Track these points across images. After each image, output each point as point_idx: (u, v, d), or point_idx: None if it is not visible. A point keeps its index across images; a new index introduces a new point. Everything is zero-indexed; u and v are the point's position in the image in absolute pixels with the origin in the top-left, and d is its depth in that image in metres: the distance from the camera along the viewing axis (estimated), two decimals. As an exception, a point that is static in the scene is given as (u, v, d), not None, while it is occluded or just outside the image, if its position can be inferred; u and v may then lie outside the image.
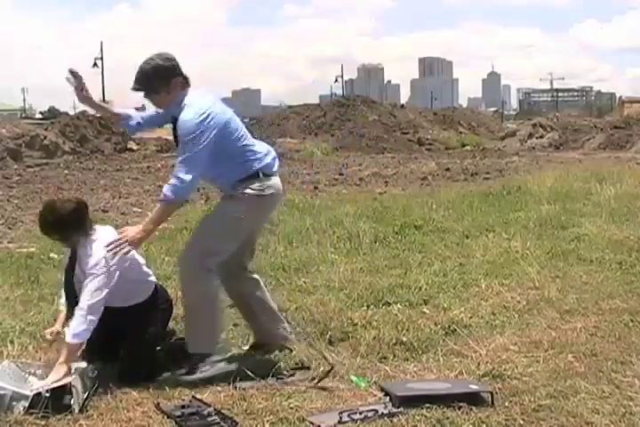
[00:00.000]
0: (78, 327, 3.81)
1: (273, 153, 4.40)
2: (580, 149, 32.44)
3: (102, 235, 4.06)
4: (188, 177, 3.93)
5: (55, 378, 3.69)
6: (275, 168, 4.35)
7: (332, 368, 4.12)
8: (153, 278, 4.35)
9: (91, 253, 3.93)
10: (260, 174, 4.24)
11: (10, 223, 11.04)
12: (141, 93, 4.14)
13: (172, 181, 3.95)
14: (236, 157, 4.18)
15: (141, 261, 4.33)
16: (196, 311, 4.22)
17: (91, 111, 4.80)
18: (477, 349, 4.53)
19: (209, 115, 4.00)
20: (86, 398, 3.69)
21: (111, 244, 3.91)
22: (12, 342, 4.63)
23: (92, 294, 3.84)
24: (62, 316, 4.25)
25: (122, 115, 4.54)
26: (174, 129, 4.12)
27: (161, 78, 4.05)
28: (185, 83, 4.15)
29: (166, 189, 3.96)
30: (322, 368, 4.18)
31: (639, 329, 5.01)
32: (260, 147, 4.36)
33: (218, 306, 4.32)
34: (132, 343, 4.12)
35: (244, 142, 4.23)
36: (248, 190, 4.22)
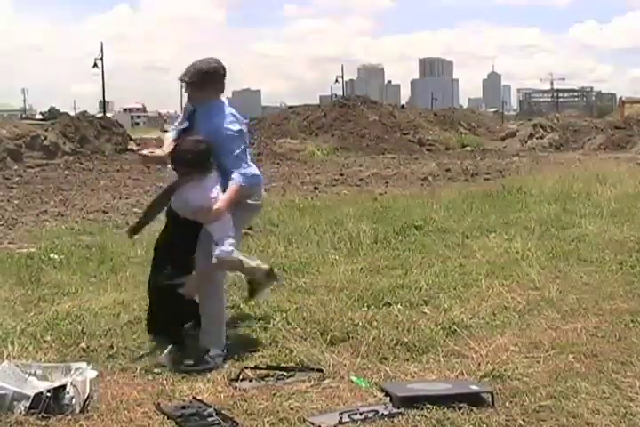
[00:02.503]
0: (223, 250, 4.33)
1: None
2: (581, 150, 32.44)
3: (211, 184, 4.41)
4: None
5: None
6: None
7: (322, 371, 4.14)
8: None
9: (202, 195, 4.35)
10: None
11: (10, 224, 11.04)
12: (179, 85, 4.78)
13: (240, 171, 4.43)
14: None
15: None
16: (210, 309, 4.55)
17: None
18: (478, 349, 4.53)
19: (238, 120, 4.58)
20: (86, 399, 3.69)
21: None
22: (12, 342, 4.63)
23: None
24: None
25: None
26: (192, 118, 4.59)
27: (212, 79, 4.54)
28: (222, 89, 4.65)
29: (240, 180, 4.42)
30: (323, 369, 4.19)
31: (639, 330, 5.01)
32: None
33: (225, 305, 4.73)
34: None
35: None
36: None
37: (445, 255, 7.55)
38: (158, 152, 4.71)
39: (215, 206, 4.32)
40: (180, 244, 4.60)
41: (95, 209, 12.91)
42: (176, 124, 4.93)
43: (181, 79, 4.52)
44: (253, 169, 4.56)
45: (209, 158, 4.36)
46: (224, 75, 4.63)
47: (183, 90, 4.68)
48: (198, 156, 4.32)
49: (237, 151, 4.43)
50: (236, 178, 4.39)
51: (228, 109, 4.58)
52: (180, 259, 4.57)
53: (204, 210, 4.34)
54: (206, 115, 4.54)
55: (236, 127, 4.49)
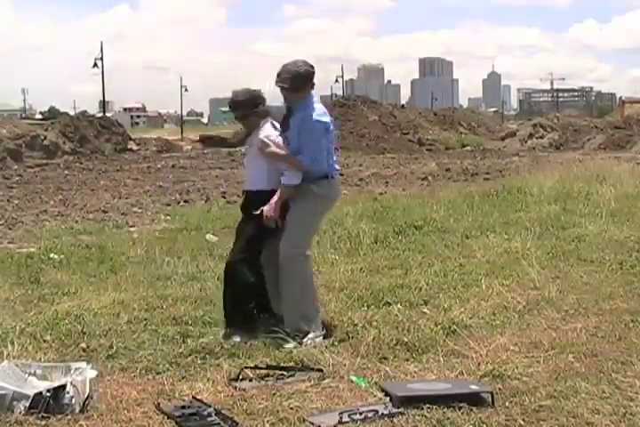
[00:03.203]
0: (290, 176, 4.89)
1: None
2: (581, 150, 32.46)
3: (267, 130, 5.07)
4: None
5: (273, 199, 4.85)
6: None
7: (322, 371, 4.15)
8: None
9: (262, 137, 5.01)
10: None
11: (10, 224, 11.05)
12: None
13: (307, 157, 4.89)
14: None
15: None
16: (302, 294, 4.91)
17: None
18: (478, 349, 4.53)
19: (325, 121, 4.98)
20: (86, 398, 3.69)
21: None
22: (12, 342, 4.62)
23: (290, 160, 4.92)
24: None
25: None
26: (286, 119, 5.01)
27: (306, 81, 4.93)
28: (313, 86, 5.02)
29: (306, 159, 4.88)
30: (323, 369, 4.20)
31: (639, 330, 5.00)
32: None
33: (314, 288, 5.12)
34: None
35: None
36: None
37: (445, 255, 7.55)
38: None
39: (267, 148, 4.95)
40: (246, 229, 5.11)
41: (95, 209, 12.92)
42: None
43: (280, 86, 4.91)
44: (321, 162, 4.92)
45: (258, 102, 5.09)
46: (314, 73, 5.00)
47: (281, 93, 5.02)
48: (249, 100, 5.09)
49: (310, 143, 4.86)
50: (301, 156, 4.87)
51: (318, 104, 5.01)
52: (242, 241, 5.10)
53: (260, 145, 5.00)
54: (299, 111, 4.94)
55: (324, 119, 4.93)
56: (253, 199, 5.05)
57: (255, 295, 5.02)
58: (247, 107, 5.12)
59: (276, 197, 4.88)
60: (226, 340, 4.77)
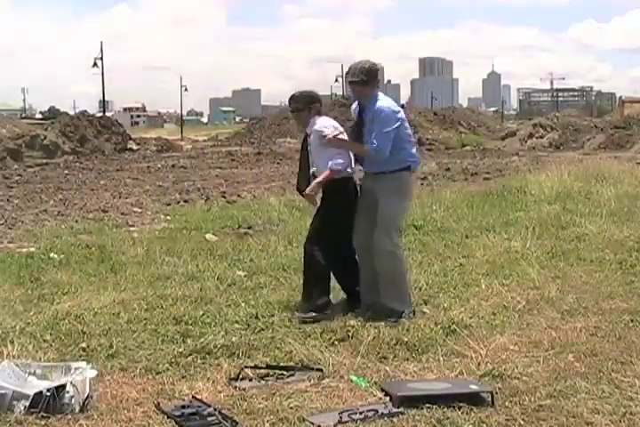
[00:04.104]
0: (336, 162, 5.44)
1: None
2: (581, 149, 32.42)
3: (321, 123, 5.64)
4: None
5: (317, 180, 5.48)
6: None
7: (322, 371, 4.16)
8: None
9: (317, 127, 5.59)
10: None
11: (10, 223, 11.04)
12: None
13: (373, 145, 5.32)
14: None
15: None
16: (397, 279, 5.41)
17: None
18: (477, 349, 4.53)
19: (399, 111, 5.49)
20: (86, 398, 3.69)
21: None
22: (12, 342, 4.63)
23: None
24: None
25: None
26: (360, 114, 5.47)
27: (373, 76, 5.43)
28: (378, 83, 5.54)
29: (370, 147, 5.33)
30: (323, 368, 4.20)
31: (639, 329, 5.01)
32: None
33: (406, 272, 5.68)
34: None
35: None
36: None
37: (445, 255, 7.56)
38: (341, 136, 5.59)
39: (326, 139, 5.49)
40: (315, 219, 5.72)
41: (95, 208, 12.91)
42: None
43: (351, 80, 5.42)
44: (384, 148, 5.31)
45: (314, 102, 5.67)
46: (378, 70, 5.55)
47: (350, 88, 5.59)
48: (303, 97, 5.70)
49: (383, 131, 5.29)
50: (366, 145, 5.34)
51: (389, 98, 5.54)
52: (312, 230, 5.71)
53: (316, 134, 5.58)
54: (370, 104, 5.39)
55: (398, 109, 5.43)
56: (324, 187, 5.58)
57: (329, 278, 5.58)
58: (302, 102, 5.69)
59: (319, 179, 5.48)
60: (304, 313, 5.28)
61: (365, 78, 5.38)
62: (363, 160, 5.56)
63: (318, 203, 5.68)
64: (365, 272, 5.53)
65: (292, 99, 5.80)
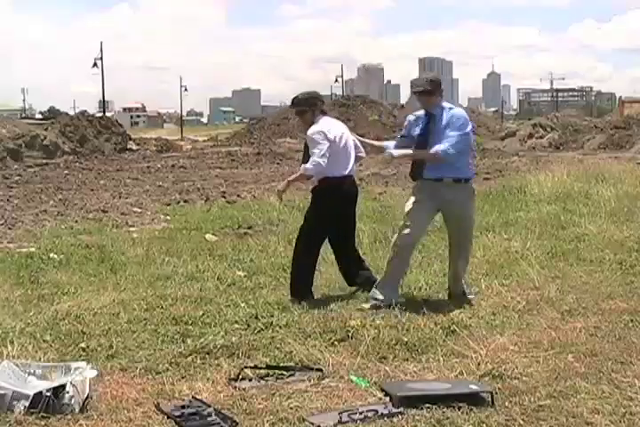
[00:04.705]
0: (309, 165, 5.74)
1: None
2: (580, 149, 32.40)
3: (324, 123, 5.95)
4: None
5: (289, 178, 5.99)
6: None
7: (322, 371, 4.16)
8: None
9: (309, 133, 5.89)
10: None
11: (10, 223, 11.04)
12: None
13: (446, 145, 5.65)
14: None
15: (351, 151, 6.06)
16: (466, 268, 6.12)
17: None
18: (477, 349, 4.53)
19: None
20: (86, 398, 3.69)
21: None
22: (11, 342, 4.63)
23: (316, 147, 5.75)
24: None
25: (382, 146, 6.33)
26: (427, 123, 5.76)
27: (438, 86, 5.82)
28: (442, 96, 5.88)
29: (440, 149, 5.64)
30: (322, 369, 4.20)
31: (639, 329, 5.01)
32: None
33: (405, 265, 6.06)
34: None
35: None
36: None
37: (445, 255, 7.52)
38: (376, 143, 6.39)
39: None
40: (304, 218, 6.16)
41: (95, 208, 12.91)
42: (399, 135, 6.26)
43: (418, 90, 5.76)
44: (452, 151, 5.65)
45: (315, 102, 5.96)
46: (441, 81, 5.98)
47: (416, 98, 5.92)
48: (304, 99, 5.99)
49: (457, 134, 5.66)
50: (436, 146, 5.64)
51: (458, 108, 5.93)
52: (300, 228, 6.16)
53: (307, 139, 5.93)
54: (442, 113, 5.73)
55: (468, 128, 5.81)
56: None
57: (309, 269, 5.96)
58: (304, 104, 5.96)
59: (291, 177, 6.00)
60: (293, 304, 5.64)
61: (430, 88, 5.73)
62: (425, 167, 5.88)
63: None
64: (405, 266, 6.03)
65: (295, 101, 6.06)
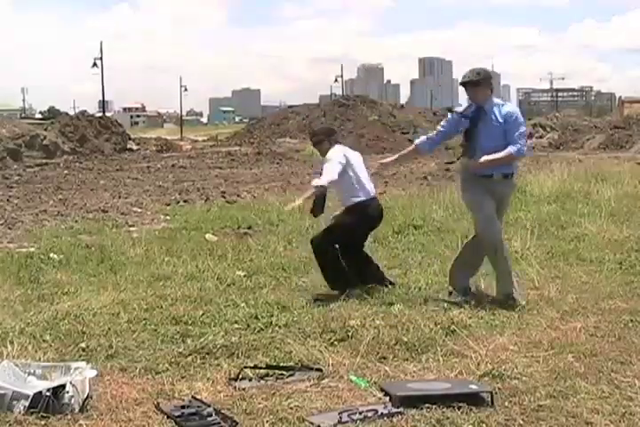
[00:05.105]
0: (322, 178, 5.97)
1: None
2: (580, 149, 32.44)
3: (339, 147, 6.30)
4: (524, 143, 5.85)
5: (304, 195, 6.13)
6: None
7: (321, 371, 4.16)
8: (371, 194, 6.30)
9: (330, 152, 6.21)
10: None
11: (10, 223, 11.05)
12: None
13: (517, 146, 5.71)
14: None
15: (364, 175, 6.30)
16: (500, 264, 5.87)
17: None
18: (477, 349, 4.53)
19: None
20: (86, 398, 3.69)
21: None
22: (11, 342, 4.62)
23: (329, 162, 6.10)
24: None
25: (417, 148, 6.27)
26: (476, 117, 5.77)
27: (490, 79, 5.89)
28: (492, 91, 5.93)
29: (514, 150, 5.70)
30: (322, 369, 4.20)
31: (639, 329, 5.01)
32: None
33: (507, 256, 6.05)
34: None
35: None
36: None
37: (445, 255, 7.55)
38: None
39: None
40: (331, 223, 6.35)
41: (94, 208, 12.92)
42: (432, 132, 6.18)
43: (467, 80, 5.79)
44: (525, 149, 5.83)
45: (331, 133, 6.46)
46: (491, 74, 6.06)
47: (466, 91, 5.87)
48: (322, 131, 6.57)
49: (520, 131, 5.77)
50: (510, 148, 5.66)
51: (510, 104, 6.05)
52: (324, 230, 6.38)
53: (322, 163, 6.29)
54: (494, 108, 5.75)
55: (518, 114, 5.83)
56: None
57: (339, 261, 6.08)
58: (322, 135, 6.40)
59: (306, 195, 6.10)
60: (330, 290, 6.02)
61: (476, 79, 5.76)
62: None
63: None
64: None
65: (313, 133, 6.61)
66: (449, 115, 6.11)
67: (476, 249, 5.96)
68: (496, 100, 5.87)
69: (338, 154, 6.14)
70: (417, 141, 6.22)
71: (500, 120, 5.73)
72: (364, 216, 6.18)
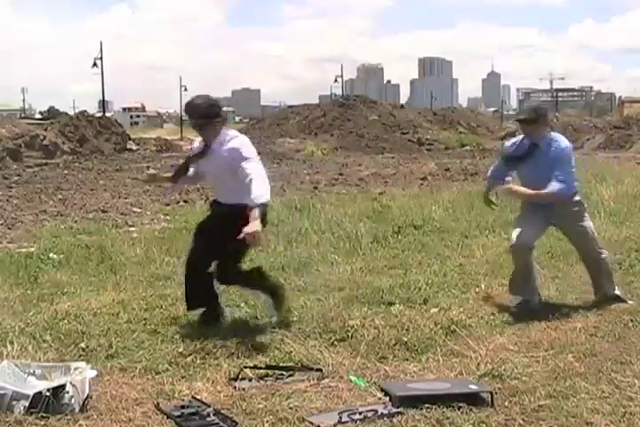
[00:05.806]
0: (261, 190, 4.92)
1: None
2: (580, 149, 32.38)
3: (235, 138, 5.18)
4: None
5: (250, 227, 4.76)
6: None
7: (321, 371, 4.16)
8: None
9: (238, 146, 5.15)
10: None
11: (9, 223, 11.05)
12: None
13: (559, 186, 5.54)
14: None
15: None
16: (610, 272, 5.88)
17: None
18: (477, 349, 4.53)
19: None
20: (86, 398, 3.69)
21: None
22: (11, 342, 4.62)
23: (257, 167, 5.16)
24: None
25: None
26: (530, 153, 5.63)
27: (543, 115, 5.71)
28: (548, 124, 5.89)
29: (557, 188, 5.53)
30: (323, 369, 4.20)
31: (639, 329, 5.01)
32: None
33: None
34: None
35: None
36: None
37: (445, 255, 7.56)
38: None
39: None
40: (221, 231, 5.11)
41: (94, 208, 12.92)
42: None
43: (518, 119, 5.87)
44: (572, 184, 5.68)
45: (218, 112, 5.09)
46: (547, 110, 6.14)
47: (521, 128, 5.82)
48: (209, 108, 5.04)
49: (569, 170, 5.61)
50: (553, 186, 5.49)
51: (557, 133, 5.88)
52: (214, 244, 5.13)
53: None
54: (548, 144, 5.61)
55: (569, 144, 5.71)
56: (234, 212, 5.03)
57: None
58: (208, 116, 5.06)
59: (255, 216, 4.97)
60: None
61: (532, 117, 5.63)
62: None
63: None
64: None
65: (195, 112, 5.18)
66: (498, 159, 6.16)
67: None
68: (550, 135, 5.70)
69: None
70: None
71: (551, 155, 5.56)
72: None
